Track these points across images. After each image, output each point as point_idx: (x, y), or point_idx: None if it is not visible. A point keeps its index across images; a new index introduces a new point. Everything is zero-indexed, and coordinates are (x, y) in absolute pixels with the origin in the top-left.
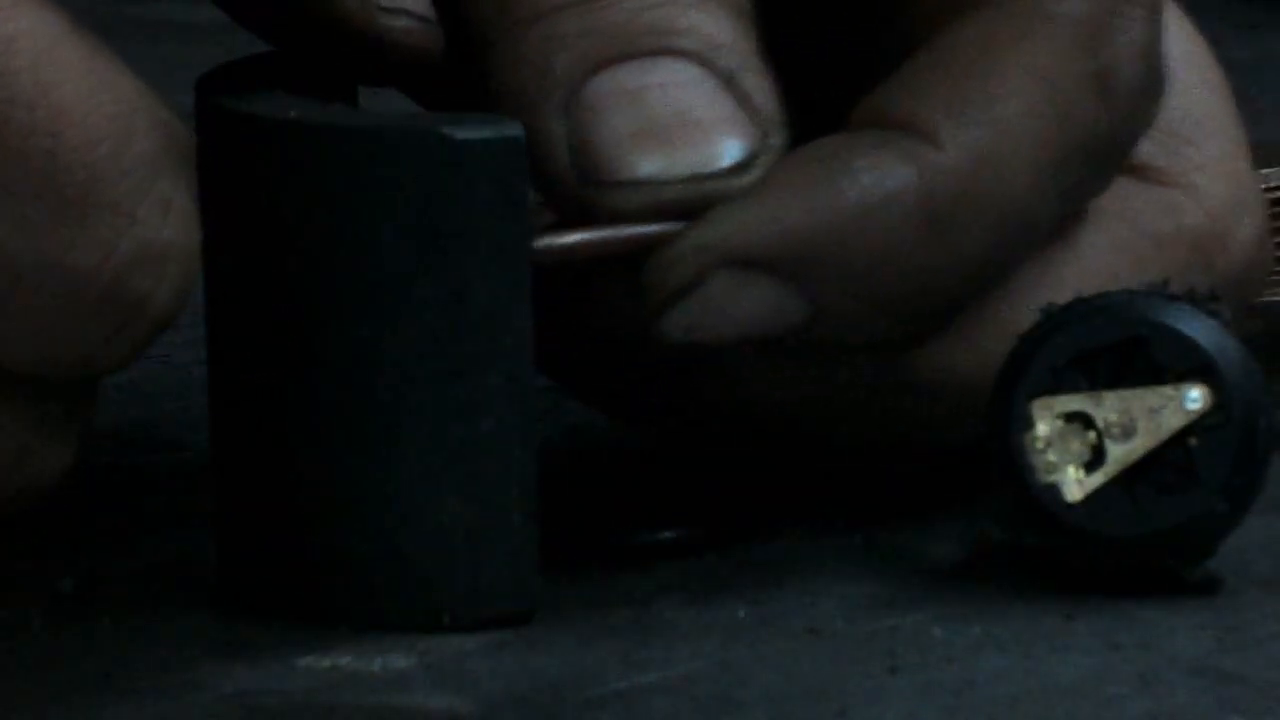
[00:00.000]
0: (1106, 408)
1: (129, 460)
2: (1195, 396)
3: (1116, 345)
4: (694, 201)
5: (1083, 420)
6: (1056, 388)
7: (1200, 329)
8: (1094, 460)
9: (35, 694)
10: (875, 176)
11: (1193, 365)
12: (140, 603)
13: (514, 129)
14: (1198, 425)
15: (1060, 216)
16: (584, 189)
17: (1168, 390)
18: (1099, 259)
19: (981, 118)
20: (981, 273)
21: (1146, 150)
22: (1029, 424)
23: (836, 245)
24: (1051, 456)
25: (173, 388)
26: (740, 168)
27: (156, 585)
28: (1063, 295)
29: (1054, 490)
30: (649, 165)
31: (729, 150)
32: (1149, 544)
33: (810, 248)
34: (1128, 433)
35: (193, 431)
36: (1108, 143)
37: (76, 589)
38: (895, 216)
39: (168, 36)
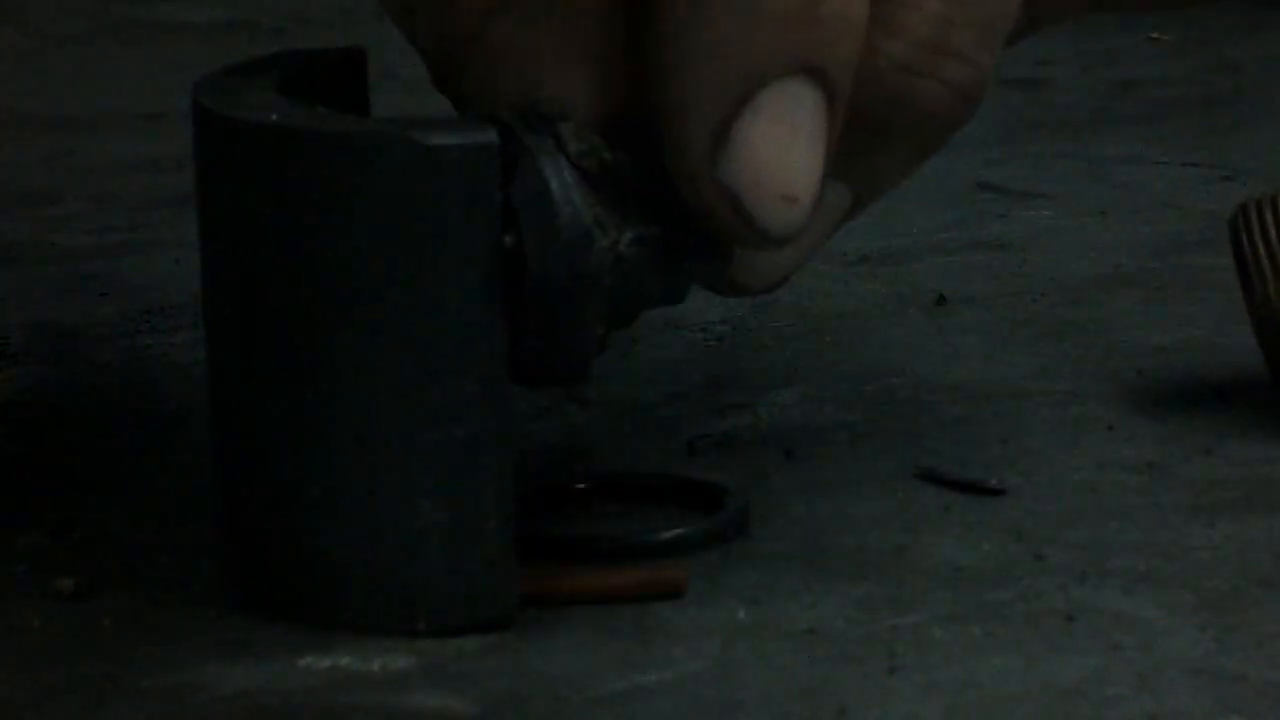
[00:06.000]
0: None
1: (129, 460)
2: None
3: None
4: None
5: None
6: None
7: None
8: None
9: (35, 694)
10: None
11: None
12: (140, 603)
13: (486, 135)
14: None
15: None
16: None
17: None
18: None
19: None
20: None
21: None
22: None
23: None
24: None
25: (173, 388)
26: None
27: (156, 585)
28: None
29: None
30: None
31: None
32: None
33: None
34: None
35: (193, 431)
36: None
37: (76, 589)
38: None
39: (168, 36)
